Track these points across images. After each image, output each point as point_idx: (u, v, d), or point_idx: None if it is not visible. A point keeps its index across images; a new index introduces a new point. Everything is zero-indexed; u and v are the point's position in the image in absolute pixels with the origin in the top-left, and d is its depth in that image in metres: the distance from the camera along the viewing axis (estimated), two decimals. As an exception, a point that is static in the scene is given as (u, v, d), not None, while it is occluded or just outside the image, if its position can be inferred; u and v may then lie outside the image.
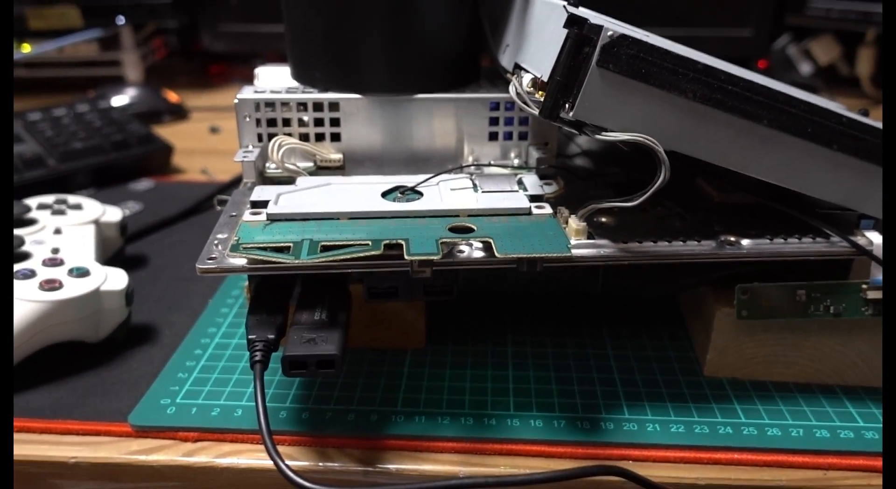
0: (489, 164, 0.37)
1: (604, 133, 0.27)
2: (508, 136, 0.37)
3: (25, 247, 0.37)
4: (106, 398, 0.33)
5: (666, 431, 0.31)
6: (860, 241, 0.30)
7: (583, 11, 0.27)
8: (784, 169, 0.29)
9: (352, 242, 0.28)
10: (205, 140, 0.69)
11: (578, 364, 0.35)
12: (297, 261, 0.27)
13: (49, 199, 0.44)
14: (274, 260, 0.27)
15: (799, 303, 0.31)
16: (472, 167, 0.36)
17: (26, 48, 0.78)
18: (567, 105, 0.26)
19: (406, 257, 0.27)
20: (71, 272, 0.35)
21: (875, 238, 0.30)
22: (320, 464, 0.29)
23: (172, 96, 0.77)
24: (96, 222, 0.42)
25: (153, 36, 0.88)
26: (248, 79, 0.40)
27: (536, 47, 0.30)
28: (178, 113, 0.76)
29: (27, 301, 0.33)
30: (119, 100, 0.72)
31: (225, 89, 0.86)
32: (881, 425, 0.31)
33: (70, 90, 0.80)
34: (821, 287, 0.30)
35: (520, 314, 0.39)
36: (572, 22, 0.26)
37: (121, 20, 0.79)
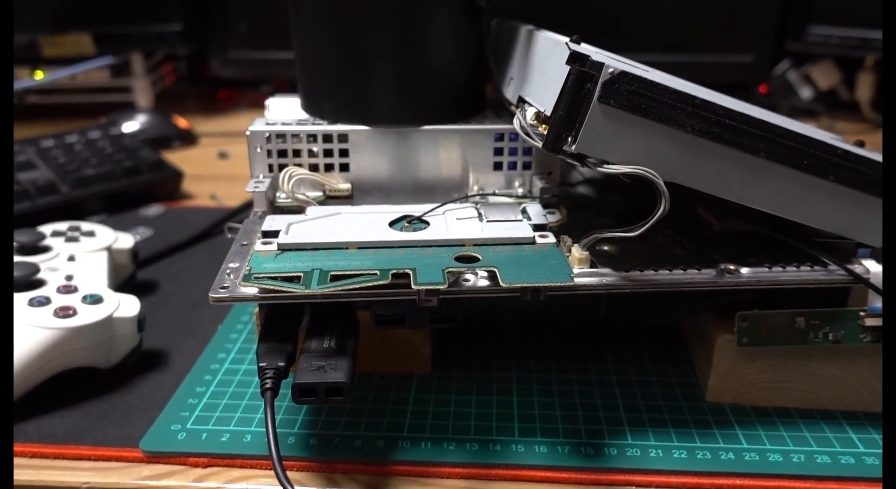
0: (494, 194, 0.37)
1: (605, 166, 0.27)
2: (513, 166, 0.38)
3: (40, 275, 0.38)
4: (117, 424, 0.33)
5: (668, 457, 0.31)
6: (857, 269, 0.31)
7: (585, 48, 0.28)
8: (782, 199, 0.29)
9: (360, 272, 0.28)
10: (214, 165, 0.71)
11: (582, 390, 0.36)
12: (307, 291, 0.27)
13: (63, 226, 0.45)
14: (284, 289, 0.28)
15: (798, 331, 0.31)
16: (478, 197, 0.37)
17: (39, 75, 0.80)
18: (569, 138, 0.27)
19: (413, 286, 0.28)
20: (85, 299, 0.36)
21: (872, 267, 0.31)
22: (328, 489, 0.30)
23: (182, 122, 0.78)
24: (109, 249, 0.43)
25: (163, 62, 0.90)
26: (257, 104, 0.42)
27: (540, 82, 0.31)
28: (188, 138, 0.77)
29: (42, 328, 0.34)
30: (130, 126, 0.73)
31: (233, 114, 0.88)
32: (881, 451, 0.31)
33: (82, 116, 0.82)
34: (819, 314, 0.31)
35: (524, 341, 0.39)
36: (574, 59, 0.27)
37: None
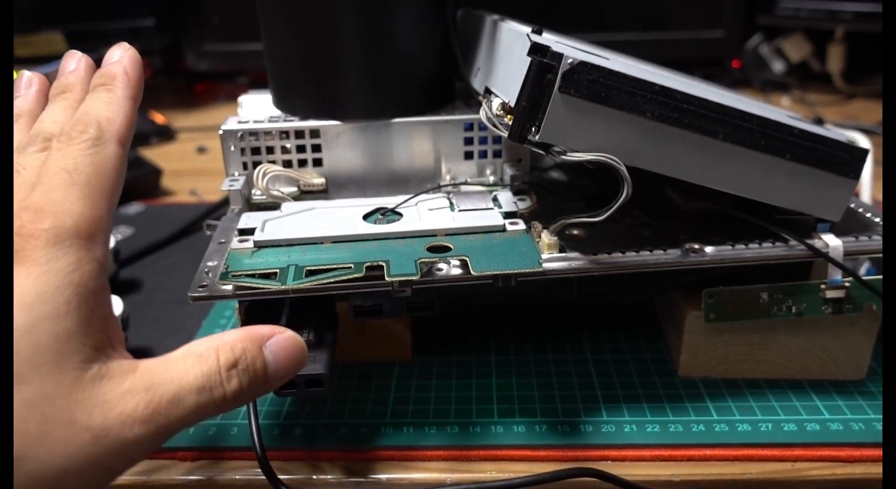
0: (466, 182, 0.38)
1: (569, 154, 0.28)
2: (483, 155, 0.38)
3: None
4: (107, 421, 0.34)
5: (642, 431, 0.32)
6: (817, 243, 0.32)
7: (545, 39, 0.29)
8: (741, 179, 0.30)
9: (335, 266, 0.29)
10: (193, 161, 0.71)
11: (559, 370, 0.37)
12: (283, 287, 0.28)
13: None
14: (262, 286, 0.28)
15: (762, 305, 0.32)
16: (450, 186, 0.38)
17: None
18: (534, 128, 0.28)
19: (387, 278, 0.29)
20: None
21: (831, 241, 0.32)
22: (314, 477, 0.31)
23: (159, 118, 0.78)
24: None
25: (137, 58, 0.89)
26: (235, 96, 0.42)
27: (504, 73, 0.32)
28: (166, 134, 0.77)
29: None
30: (106, 124, 0.73)
31: (211, 108, 0.88)
32: (846, 417, 0.33)
33: (57, 115, 0.81)
34: (782, 288, 0.32)
35: (502, 324, 0.40)
36: (535, 50, 0.27)
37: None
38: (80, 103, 0.26)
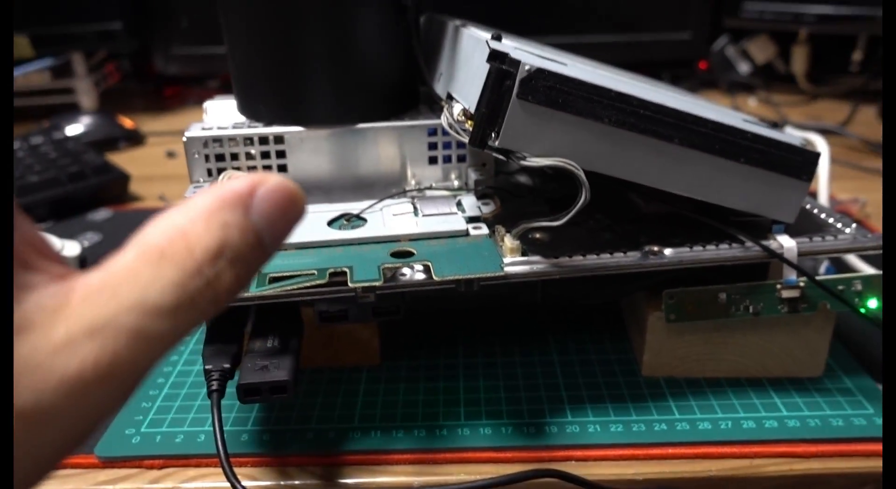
0: (431, 187, 0.38)
1: (529, 159, 0.29)
2: (448, 159, 0.39)
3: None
4: (72, 431, 0.34)
5: (606, 431, 0.33)
6: (772, 245, 0.32)
7: (504, 45, 0.29)
8: (698, 182, 0.31)
9: (298, 273, 0.29)
10: (162, 165, 0.70)
11: (525, 372, 0.37)
12: (246, 294, 0.28)
13: (6, 237, 0.45)
14: (224, 293, 0.28)
15: (721, 305, 0.33)
16: (415, 191, 0.38)
17: (-23, 80, 0.78)
18: (493, 134, 0.28)
19: (350, 284, 0.29)
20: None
21: (786, 242, 0.32)
22: (282, 482, 0.31)
23: (127, 122, 0.78)
24: (55, 258, 0.43)
25: (105, 61, 0.89)
26: (204, 100, 0.42)
27: (465, 79, 0.32)
28: (134, 139, 0.77)
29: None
30: (73, 129, 0.72)
31: (180, 112, 0.87)
32: (803, 413, 0.33)
33: (24, 120, 0.80)
34: (740, 289, 0.33)
35: (470, 327, 0.41)
36: (494, 56, 0.28)
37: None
38: None
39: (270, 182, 0.17)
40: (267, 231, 0.17)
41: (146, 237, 0.16)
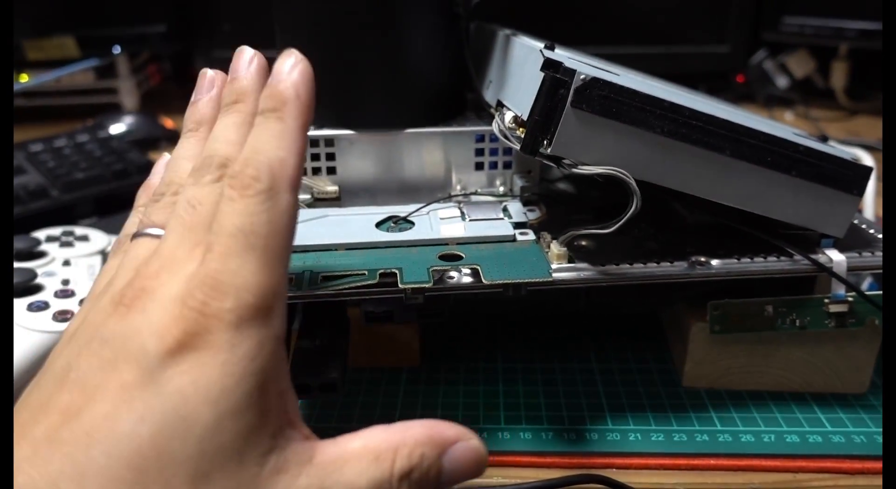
0: (476, 193, 0.39)
1: (580, 167, 0.29)
2: (494, 166, 0.39)
3: (38, 280, 0.39)
4: (119, 422, 0.35)
5: (647, 440, 0.33)
6: (821, 258, 0.32)
7: (558, 54, 0.29)
8: (747, 194, 0.31)
9: (349, 272, 0.30)
10: (202, 166, 0.71)
11: (565, 378, 0.37)
12: (298, 292, 0.29)
13: (56, 231, 0.46)
14: (277, 291, 0.29)
15: (767, 318, 0.33)
16: (461, 196, 0.38)
17: (24, 78, 0.80)
18: (545, 142, 0.29)
19: (400, 285, 0.29)
20: (82, 302, 0.37)
21: (834, 256, 0.32)
22: (324, 479, 0.31)
23: (168, 122, 0.79)
24: (103, 253, 0.44)
25: (148, 63, 0.90)
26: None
27: (517, 87, 0.32)
28: (175, 139, 0.78)
29: (42, 332, 0.35)
30: (117, 128, 0.74)
31: (219, 114, 0.88)
32: (848, 429, 0.33)
33: (68, 119, 0.82)
34: (786, 302, 0.33)
35: (509, 333, 0.41)
36: (548, 65, 0.28)
37: (117, 49, 0.81)
38: (253, 117, 0.24)
39: (471, 441, 0.22)
40: (448, 472, 0.22)
41: (373, 437, 0.21)
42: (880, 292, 0.33)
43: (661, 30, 0.81)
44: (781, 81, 0.86)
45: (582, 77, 0.28)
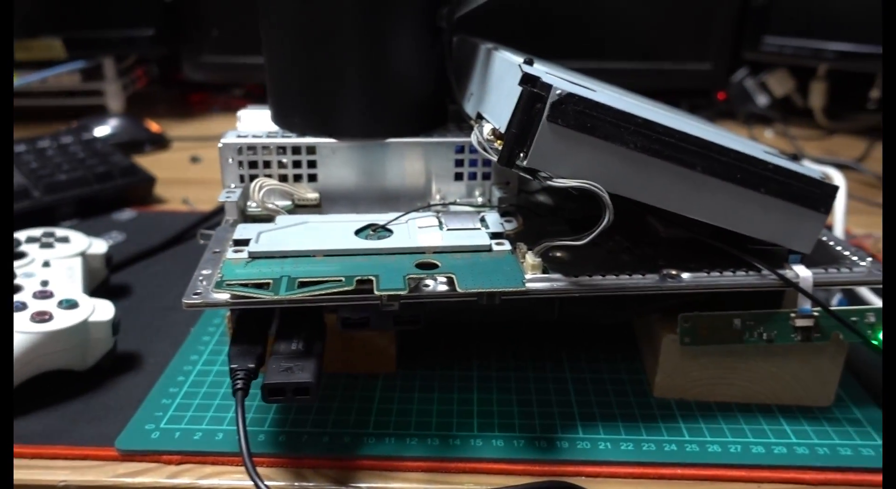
0: (455, 203, 0.39)
1: (555, 179, 0.30)
2: (473, 176, 0.40)
3: (16, 281, 0.39)
4: (93, 424, 0.35)
5: (616, 449, 0.33)
6: (788, 274, 0.33)
7: (536, 70, 0.30)
8: (718, 210, 0.32)
9: (326, 279, 0.30)
10: (186, 170, 0.72)
11: (538, 387, 0.38)
12: (275, 297, 0.29)
13: (37, 232, 0.46)
14: (255, 296, 0.29)
15: (735, 331, 0.34)
16: (440, 205, 0.39)
17: (10, 79, 0.80)
18: (522, 154, 0.29)
19: (376, 292, 0.30)
20: (60, 304, 0.37)
21: (801, 271, 0.33)
22: (296, 484, 0.31)
23: (153, 126, 0.79)
24: (83, 254, 0.44)
25: (134, 66, 0.91)
26: (229, 108, 0.43)
27: (496, 100, 0.33)
28: (160, 142, 0.78)
29: (19, 332, 0.35)
30: (101, 130, 0.74)
31: (206, 118, 0.89)
32: (812, 441, 0.34)
33: (53, 120, 0.82)
34: (754, 316, 0.34)
35: (485, 341, 0.41)
36: (526, 80, 0.29)
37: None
38: None
39: None
40: None
41: None
42: (845, 308, 0.34)
43: (645, 46, 0.82)
44: (762, 100, 0.87)
45: (558, 92, 0.28)
